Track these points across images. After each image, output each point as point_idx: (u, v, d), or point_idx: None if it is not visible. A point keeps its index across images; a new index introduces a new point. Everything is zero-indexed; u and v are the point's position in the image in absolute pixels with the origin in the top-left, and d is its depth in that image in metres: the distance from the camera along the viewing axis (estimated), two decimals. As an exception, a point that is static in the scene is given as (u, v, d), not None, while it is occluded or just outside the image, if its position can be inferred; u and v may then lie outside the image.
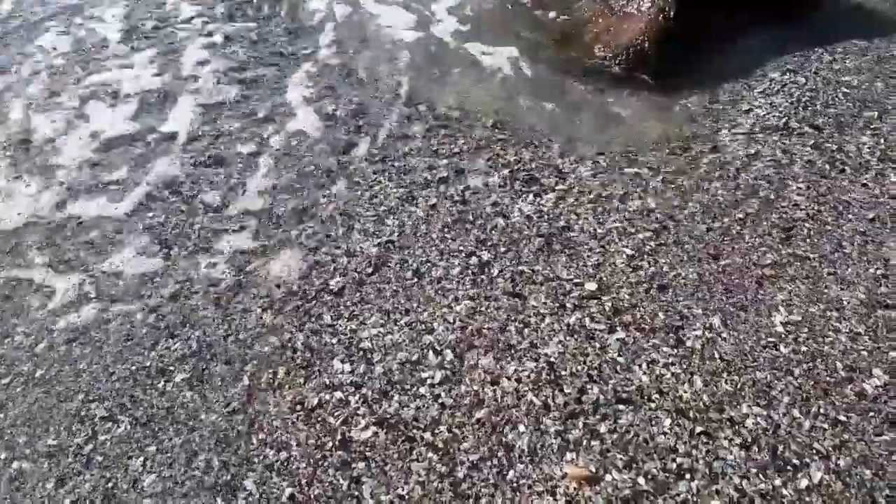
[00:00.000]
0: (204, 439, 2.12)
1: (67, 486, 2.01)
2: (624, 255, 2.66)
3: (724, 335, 2.34)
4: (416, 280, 2.62)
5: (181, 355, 2.37)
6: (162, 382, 2.29)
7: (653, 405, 2.14)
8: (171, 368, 2.33)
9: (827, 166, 3.04)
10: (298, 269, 2.67)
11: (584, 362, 2.28)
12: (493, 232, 2.80)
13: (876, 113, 3.33)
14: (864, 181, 2.94)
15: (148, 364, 2.35)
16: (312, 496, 1.96)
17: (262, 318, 2.49)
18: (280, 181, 3.12)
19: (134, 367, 2.34)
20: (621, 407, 2.14)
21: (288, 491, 1.97)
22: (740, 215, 2.81)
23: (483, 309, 2.48)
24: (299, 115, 3.57)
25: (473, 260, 2.68)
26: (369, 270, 2.66)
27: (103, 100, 3.70)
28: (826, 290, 2.48)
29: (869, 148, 3.12)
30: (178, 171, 3.19)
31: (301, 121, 3.52)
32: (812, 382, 2.18)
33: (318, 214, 2.93)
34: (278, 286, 2.61)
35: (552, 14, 4.33)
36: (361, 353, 2.35)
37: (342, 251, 2.75)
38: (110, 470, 2.05)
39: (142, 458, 2.07)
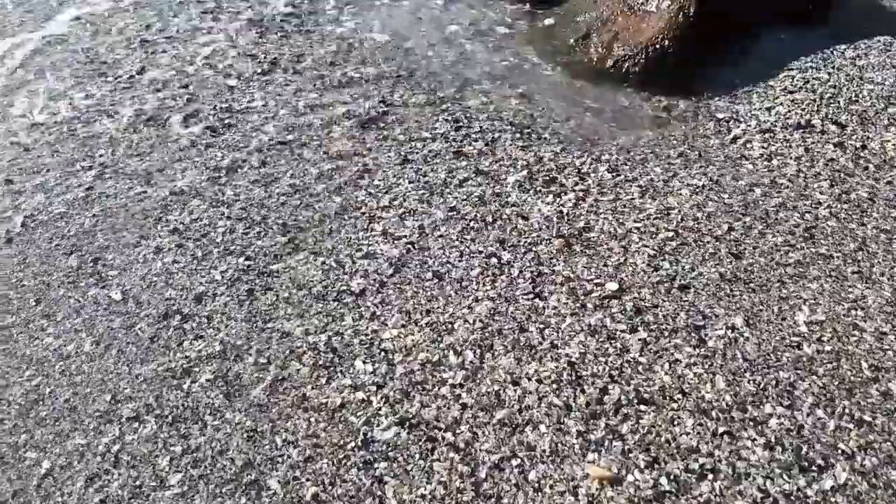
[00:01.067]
0: (228, 439, 2.15)
1: (96, 484, 2.05)
2: (645, 255, 2.66)
3: (746, 335, 2.33)
4: (436, 281, 2.63)
5: (206, 356, 2.40)
6: (187, 383, 2.32)
7: (675, 405, 2.13)
8: (196, 369, 2.36)
9: (850, 164, 3.00)
10: (320, 271, 2.70)
11: (606, 362, 2.28)
12: (513, 233, 2.81)
13: (901, 109, 3.29)
14: (889, 178, 2.90)
15: (173, 365, 2.38)
16: (335, 495, 1.98)
17: (284, 319, 2.52)
18: (301, 183, 3.15)
19: (160, 368, 2.37)
20: (643, 407, 2.14)
21: (311, 490, 1.99)
22: (762, 214, 2.79)
23: (503, 309, 2.49)
24: (320, 117, 3.60)
25: (493, 261, 2.69)
26: (390, 272, 2.68)
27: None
28: (850, 289, 2.46)
29: (893, 144, 3.08)
30: (202, 174, 3.24)
31: (323, 123, 3.55)
32: (836, 382, 2.16)
33: (339, 216, 2.96)
34: (300, 288, 2.64)
35: (572, 14, 4.32)
36: (383, 353, 2.37)
37: (363, 253, 2.77)
38: (137, 469, 2.08)
39: (168, 458, 2.11)
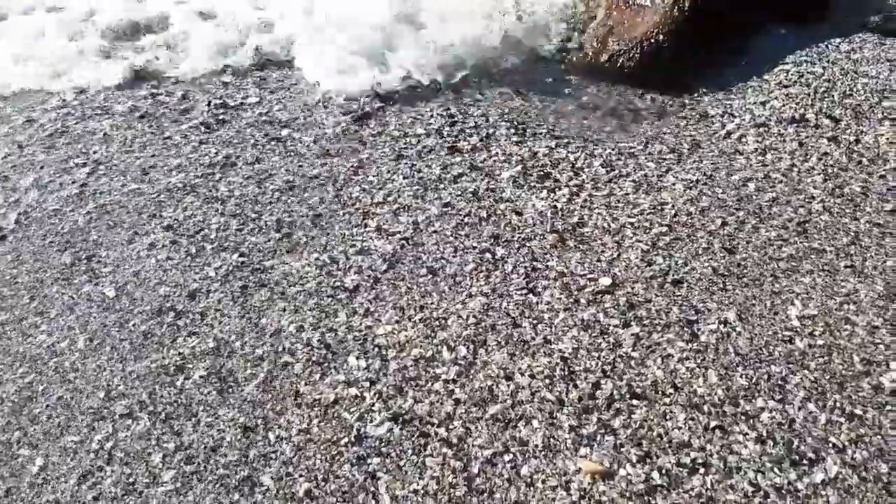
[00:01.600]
0: (222, 435, 2.15)
1: (89, 481, 2.05)
2: (638, 250, 2.66)
3: (739, 329, 2.33)
4: (430, 277, 2.63)
5: (199, 352, 2.40)
6: (181, 379, 2.32)
7: (667, 400, 2.14)
8: (190, 366, 2.36)
9: (844, 158, 3.01)
10: (314, 267, 2.70)
11: (598, 357, 2.28)
12: (507, 228, 2.81)
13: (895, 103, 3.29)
14: (882, 173, 2.90)
15: (167, 362, 2.38)
16: (328, 491, 1.98)
17: (278, 315, 2.52)
18: (296, 180, 3.15)
19: (153, 365, 2.38)
20: (635, 402, 2.14)
21: (304, 486, 2.00)
22: (756, 209, 2.80)
23: (497, 305, 2.49)
24: (314, 114, 3.59)
25: (487, 256, 2.69)
26: (384, 268, 2.68)
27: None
28: (843, 283, 2.46)
29: (887, 139, 3.08)
30: (196, 171, 3.24)
31: (317, 119, 3.55)
32: (828, 376, 2.16)
33: (333, 212, 2.96)
34: (294, 284, 2.64)
35: (567, 8, 4.31)
36: (376, 349, 2.37)
37: (357, 249, 2.77)
38: (130, 466, 2.09)
39: (161, 454, 2.11)
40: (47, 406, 2.28)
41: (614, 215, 2.83)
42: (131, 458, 2.11)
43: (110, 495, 2.01)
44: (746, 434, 2.02)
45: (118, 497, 2.01)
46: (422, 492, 1.96)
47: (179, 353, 2.41)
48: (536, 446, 2.04)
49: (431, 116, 3.52)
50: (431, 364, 2.31)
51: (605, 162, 3.14)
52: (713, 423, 2.06)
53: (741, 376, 2.18)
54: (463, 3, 4.15)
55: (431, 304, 2.52)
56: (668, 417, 2.09)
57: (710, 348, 2.28)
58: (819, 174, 2.94)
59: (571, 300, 2.49)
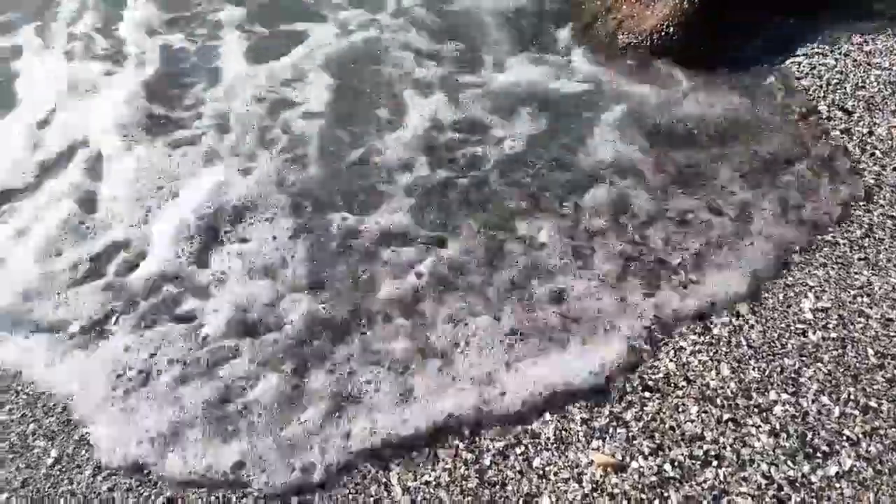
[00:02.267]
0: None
1: (104, 472, 2.07)
2: (649, 243, 2.65)
3: (751, 322, 2.32)
4: (441, 270, 2.64)
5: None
6: (193, 372, 2.34)
7: (680, 392, 2.13)
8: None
9: (857, 150, 2.98)
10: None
11: (610, 350, 2.28)
12: (518, 221, 2.81)
13: (908, 95, 3.26)
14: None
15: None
16: (342, 483, 1.99)
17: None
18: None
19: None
20: (648, 394, 2.14)
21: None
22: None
23: (508, 298, 2.50)
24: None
25: (498, 249, 2.69)
26: (395, 261, 2.69)
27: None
28: (856, 276, 2.45)
29: (901, 131, 3.06)
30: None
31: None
32: (842, 369, 2.15)
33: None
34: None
35: (578, 2, 4.29)
36: (388, 342, 2.38)
37: (368, 242, 2.78)
38: (145, 457, 2.10)
39: (175, 446, 2.12)
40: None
41: (625, 208, 2.82)
42: (145, 449, 2.12)
43: (125, 486, 2.03)
44: (759, 427, 2.02)
45: (132, 488, 2.02)
46: (434, 483, 1.96)
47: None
48: (548, 438, 2.05)
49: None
50: (443, 357, 2.32)
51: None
52: (726, 416, 2.05)
53: (754, 369, 2.18)
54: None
55: (442, 297, 2.53)
56: (680, 410, 2.09)
57: (723, 341, 2.27)
58: (832, 166, 2.92)
59: (583, 293, 2.49)
